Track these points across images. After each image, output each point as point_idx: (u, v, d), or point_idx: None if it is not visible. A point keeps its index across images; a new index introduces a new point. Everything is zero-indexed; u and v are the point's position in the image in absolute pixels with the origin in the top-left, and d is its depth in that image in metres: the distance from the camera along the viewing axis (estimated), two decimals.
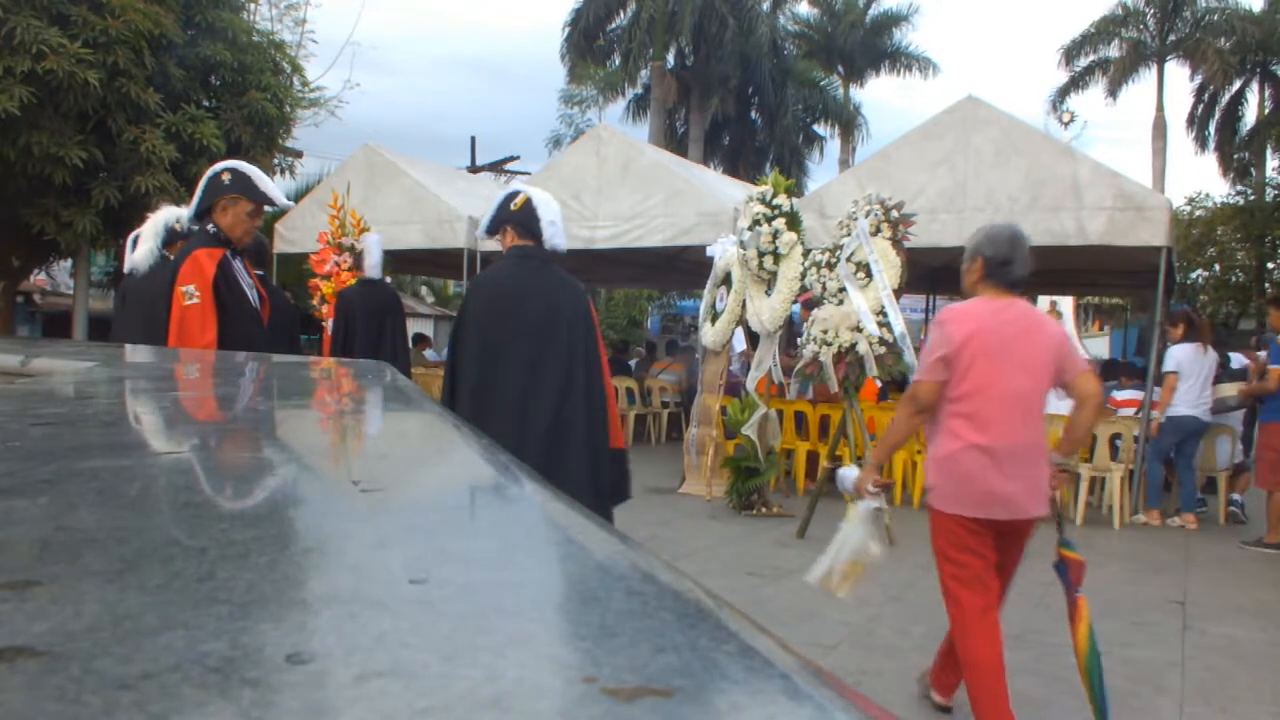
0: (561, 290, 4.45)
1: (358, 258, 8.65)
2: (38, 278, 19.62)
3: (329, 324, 8.48)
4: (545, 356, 4.29)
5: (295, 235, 12.86)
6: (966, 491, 3.96)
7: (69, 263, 15.83)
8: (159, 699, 0.38)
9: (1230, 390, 9.24)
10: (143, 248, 6.83)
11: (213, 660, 0.42)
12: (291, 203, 6.18)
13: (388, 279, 8.97)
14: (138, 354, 3.52)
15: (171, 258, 6.36)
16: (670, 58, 30.35)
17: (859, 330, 7.48)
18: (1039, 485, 3.92)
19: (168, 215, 7.65)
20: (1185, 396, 8.85)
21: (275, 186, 4.78)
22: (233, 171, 4.59)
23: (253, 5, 14.19)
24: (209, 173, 4.63)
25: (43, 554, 0.61)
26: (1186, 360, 8.86)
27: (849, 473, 5.06)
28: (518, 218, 4.47)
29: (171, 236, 7.56)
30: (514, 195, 4.59)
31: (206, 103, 12.76)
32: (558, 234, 4.52)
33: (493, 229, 4.58)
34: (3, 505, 0.74)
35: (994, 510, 3.92)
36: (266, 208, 4.84)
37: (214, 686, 0.39)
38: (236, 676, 0.40)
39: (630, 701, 0.39)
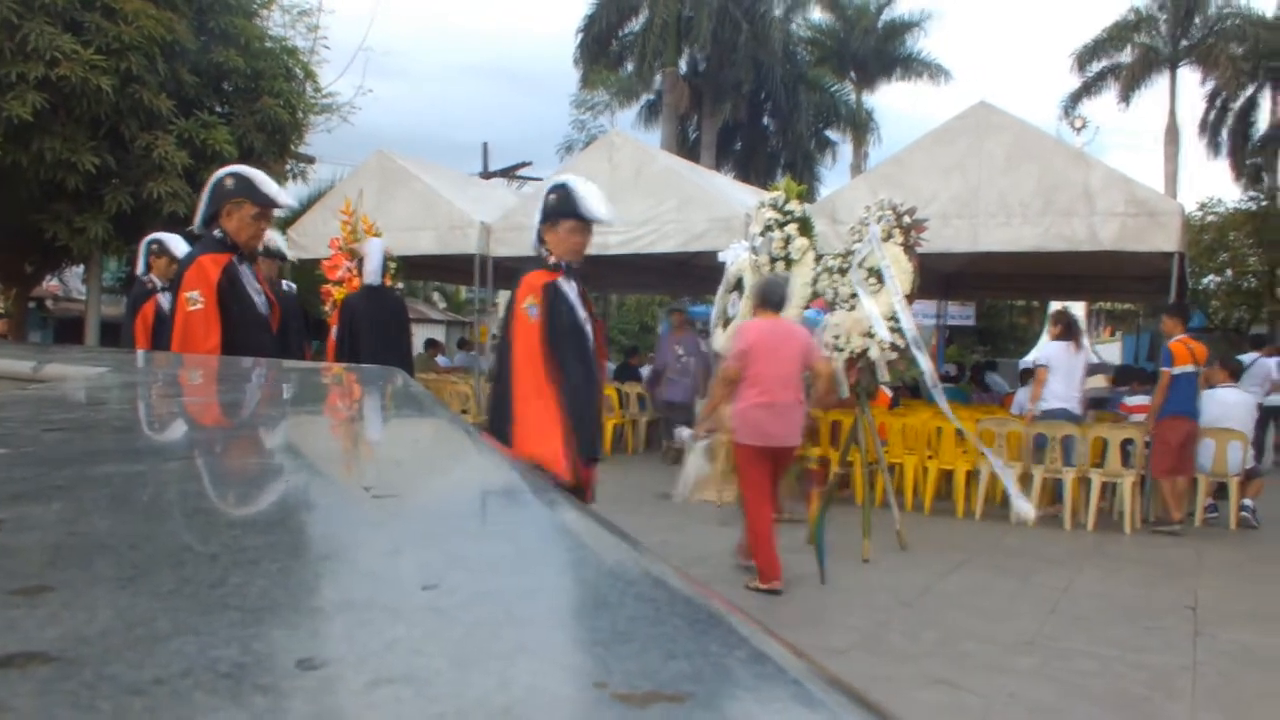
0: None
1: (360, 264, 8.65)
2: (50, 284, 19.70)
3: (334, 330, 8.47)
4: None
5: (307, 241, 12.88)
6: (754, 431, 6.12)
7: (81, 268, 15.88)
8: (171, 705, 0.38)
9: (1100, 383, 9.58)
10: None
11: (224, 666, 0.42)
12: (295, 204, 6.20)
13: (398, 285, 8.94)
14: (147, 360, 3.53)
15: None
16: (683, 63, 30.36)
17: (871, 336, 7.47)
18: (796, 427, 6.24)
19: (267, 237, 7.78)
20: (1056, 391, 9.27)
21: (280, 189, 4.78)
22: (235, 176, 4.59)
23: (265, 11, 14.22)
24: (213, 179, 4.63)
25: (55, 559, 0.61)
26: (1057, 357, 9.36)
27: (685, 431, 7.26)
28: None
29: (267, 254, 7.68)
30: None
31: (219, 108, 12.79)
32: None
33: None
34: (16, 511, 0.75)
35: (770, 441, 6.14)
36: (278, 211, 4.85)
37: (226, 692, 0.39)
38: (248, 682, 0.40)
39: (642, 707, 0.39)
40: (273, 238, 7.96)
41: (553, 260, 4.76)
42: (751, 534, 6.32)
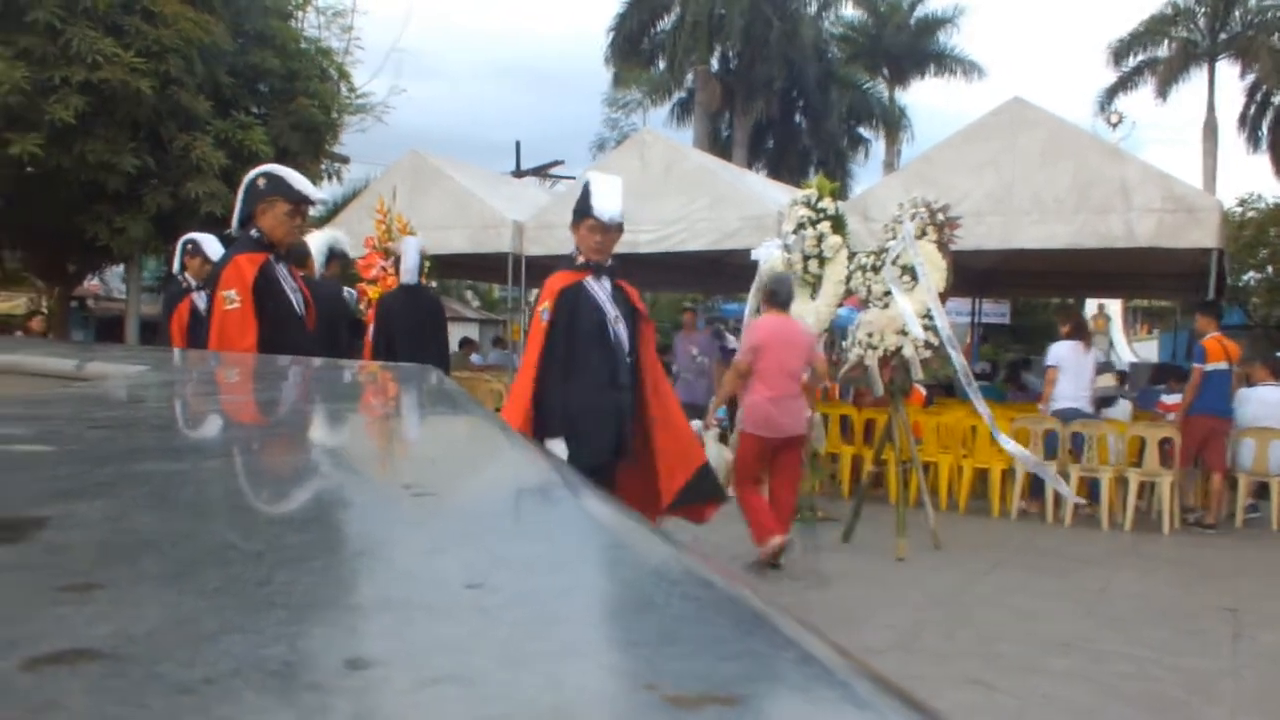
0: None
1: (397, 262, 8.69)
2: (91, 283, 19.92)
3: (370, 329, 8.52)
4: None
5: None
6: (764, 423, 6.54)
7: (121, 268, 16.05)
8: (221, 703, 0.38)
9: (1108, 382, 10.11)
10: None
11: (273, 665, 0.42)
12: (328, 199, 6.27)
13: (432, 283, 8.98)
14: (186, 359, 3.56)
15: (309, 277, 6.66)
16: (714, 61, 30.32)
17: (904, 334, 7.43)
18: (801, 418, 6.67)
19: (331, 238, 7.88)
20: (1066, 390, 9.32)
21: (310, 184, 4.81)
22: (267, 175, 4.64)
23: (301, 14, 14.31)
24: (245, 180, 4.68)
25: (102, 556, 0.62)
26: (1067, 357, 9.40)
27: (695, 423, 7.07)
28: None
29: (331, 256, 7.79)
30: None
31: (255, 109, 12.89)
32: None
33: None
34: (63, 508, 0.75)
35: (778, 433, 6.54)
36: (311, 210, 4.89)
37: (275, 691, 0.39)
38: (297, 681, 0.40)
39: (695, 710, 0.38)
40: (338, 239, 8.06)
41: (580, 260, 4.77)
42: (746, 509, 6.62)
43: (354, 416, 1.88)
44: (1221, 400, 9.13)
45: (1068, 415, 9.23)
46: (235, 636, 0.45)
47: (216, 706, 0.38)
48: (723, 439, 8.25)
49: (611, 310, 4.76)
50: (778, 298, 6.78)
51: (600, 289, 4.77)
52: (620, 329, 4.76)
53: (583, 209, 4.70)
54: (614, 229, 4.71)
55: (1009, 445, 7.91)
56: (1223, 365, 9.10)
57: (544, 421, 4.60)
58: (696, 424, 7.13)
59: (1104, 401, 9.88)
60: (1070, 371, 9.34)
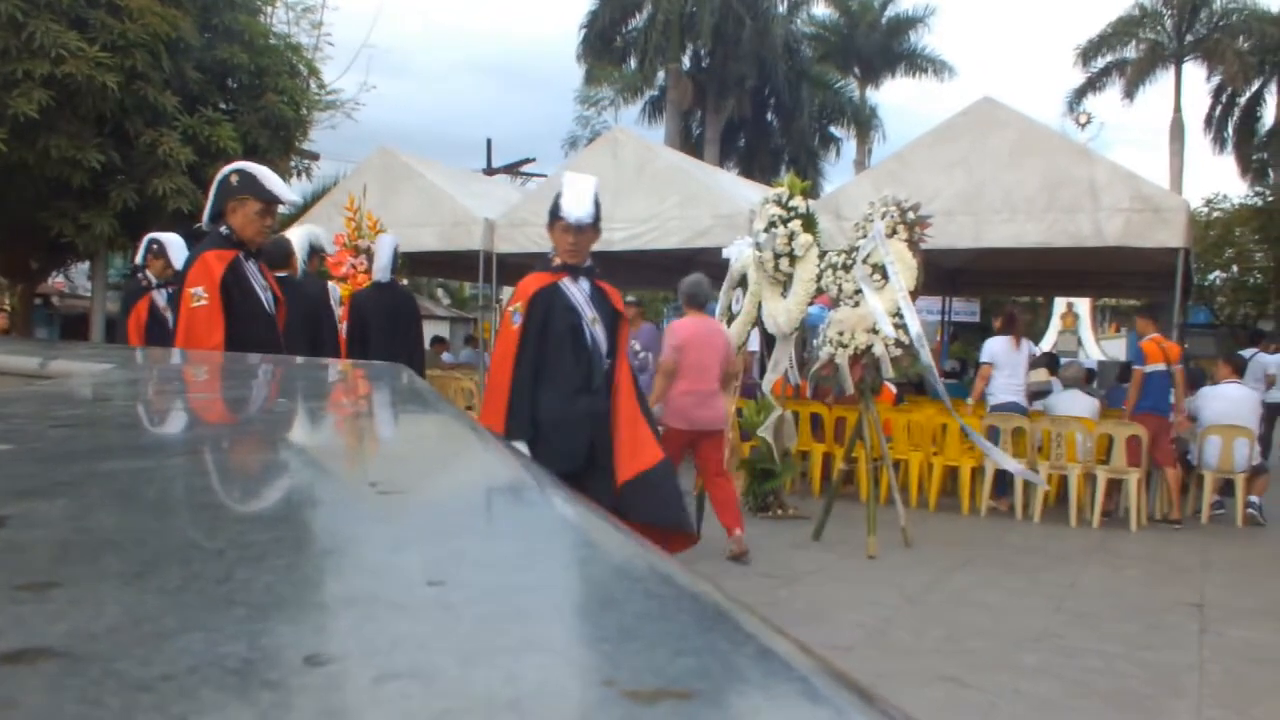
0: None
1: (372, 260, 8.66)
2: (55, 280, 19.72)
3: (344, 327, 8.49)
4: None
5: None
6: (682, 416, 6.82)
7: (86, 265, 15.90)
8: (178, 700, 0.38)
9: (1041, 377, 10.27)
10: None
11: (232, 662, 0.42)
12: (300, 199, 6.23)
13: (403, 281, 8.95)
14: (152, 357, 3.54)
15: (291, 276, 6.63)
16: (686, 60, 30.32)
17: (875, 332, 7.46)
18: (720, 412, 6.98)
19: (309, 234, 7.83)
20: (1001, 385, 9.53)
21: (284, 185, 4.79)
22: (240, 173, 4.61)
23: (269, 8, 14.22)
24: (218, 176, 4.66)
25: (62, 555, 0.61)
26: (1000, 353, 9.61)
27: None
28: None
29: (312, 252, 7.74)
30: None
31: (223, 105, 12.80)
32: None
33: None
34: (22, 507, 0.75)
35: (696, 425, 6.83)
36: (280, 208, 4.86)
37: (233, 688, 0.39)
38: (256, 678, 0.40)
39: (650, 704, 0.39)
40: (317, 235, 8.03)
41: (556, 261, 4.76)
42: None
43: (321, 414, 1.87)
44: (1162, 400, 9.36)
45: (1007, 409, 9.40)
46: (195, 634, 0.45)
47: (174, 704, 0.38)
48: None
49: (589, 312, 4.71)
50: (695, 300, 7.13)
51: (577, 290, 4.73)
52: (598, 331, 4.72)
53: (554, 210, 4.68)
54: (585, 230, 4.68)
55: (980, 441, 7.97)
56: (1161, 366, 9.34)
57: (510, 424, 4.58)
58: None
59: (1037, 395, 10.14)
60: (1004, 367, 9.51)
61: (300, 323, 5.87)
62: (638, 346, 11.43)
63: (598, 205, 4.74)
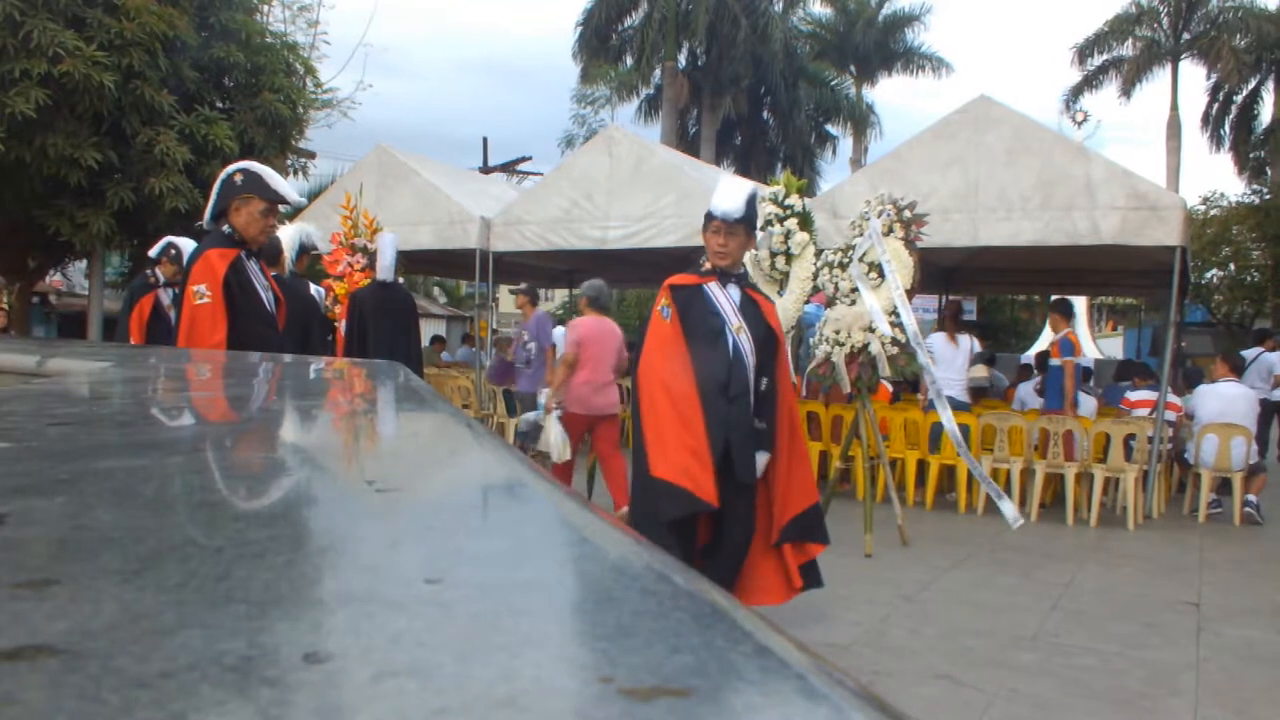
0: None
1: (372, 258, 8.65)
2: (53, 279, 19.70)
3: (342, 325, 8.48)
4: None
5: None
6: (582, 404, 7.64)
7: (84, 264, 15.88)
8: (177, 697, 0.38)
9: (980, 373, 10.56)
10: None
11: (230, 659, 0.42)
12: (305, 200, 6.23)
13: (400, 280, 8.95)
14: (150, 355, 3.53)
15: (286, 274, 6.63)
16: (682, 58, 30.32)
17: (871, 330, 7.47)
18: (612, 400, 7.78)
19: (300, 232, 7.82)
20: (941, 380, 9.43)
21: (288, 185, 4.80)
22: (245, 172, 4.62)
23: (266, 7, 14.21)
24: (223, 174, 4.66)
25: (60, 553, 0.62)
26: (938, 349, 9.72)
27: (530, 415, 8.36)
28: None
29: (302, 250, 7.72)
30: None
31: (220, 104, 12.78)
32: None
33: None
34: (21, 505, 0.75)
35: (594, 411, 7.67)
36: (281, 207, 4.87)
37: (232, 685, 0.39)
38: (254, 675, 0.40)
39: (647, 702, 0.39)
40: (308, 233, 8.02)
41: (705, 266, 4.71)
42: (555, 473, 7.39)
43: (319, 413, 1.87)
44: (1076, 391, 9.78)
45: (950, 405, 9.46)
46: (193, 631, 0.45)
47: (173, 701, 0.38)
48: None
49: (734, 319, 4.59)
50: (597, 302, 8.02)
51: (724, 296, 4.63)
52: (743, 340, 4.57)
53: (708, 212, 4.65)
54: (735, 229, 4.59)
55: (965, 455, 7.94)
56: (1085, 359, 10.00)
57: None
58: (531, 415, 8.30)
59: (978, 392, 10.39)
60: (942, 362, 9.57)
61: (289, 321, 5.88)
62: (525, 337, 11.21)
63: (752, 207, 4.65)
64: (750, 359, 4.58)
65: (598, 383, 7.69)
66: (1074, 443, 9.05)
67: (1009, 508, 7.51)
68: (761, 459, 4.65)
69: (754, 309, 4.66)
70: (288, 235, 7.60)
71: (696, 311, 4.58)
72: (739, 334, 4.56)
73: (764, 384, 4.65)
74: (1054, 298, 11.10)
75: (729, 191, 4.62)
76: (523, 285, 11.46)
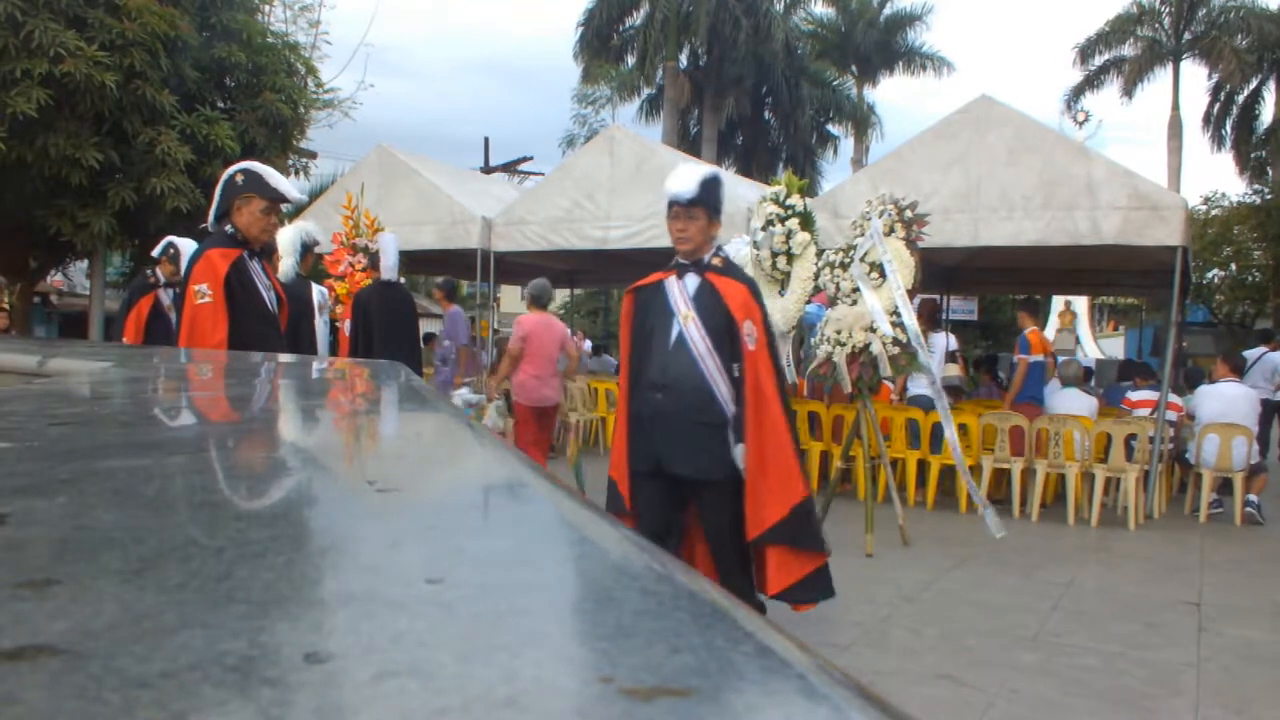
0: None
1: (373, 258, 8.66)
2: (54, 279, 19.71)
3: (345, 324, 8.48)
4: None
5: None
6: (530, 395, 8.07)
7: (85, 264, 15.89)
8: (178, 697, 0.38)
9: (953, 372, 10.74)
10: (281, 264, 7.11)
11: (231, 659, 0.42)
12: (305, 198, 6.24)
13: (401, 279, 8.96)
14: (151, 355, 3.53)
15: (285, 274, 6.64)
16: (683, 58, 30.32)
17: (873, 330, 7.46)
18: (555, 391, 8.24)
19: (300, 230, 7.82)
20: (914, 378, 9.80)
21: (289, 183, 4.80)
22: (245, 172, 4.64)
23: (267, 7, 14.21)
24: (224, 175, 4.68)
25: (62, 553, 0.62)
26: None
27: (464, 394, 9.17)
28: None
29: (305, 250, 7.73)
30: (722, 183, 4.64)
31: (221, 104, 12.79)
32: None
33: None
34: (22, 505, 0.75)
35: (540, 402, 8.10)
36: (284, 206, 4.88)
37: (233, 685, 0.39)
38: (255, 675, 0.40)
39: (648, 701, 0.39)
40: (309, 231, 8.03)
41: (676, 259, 4.72)
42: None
43: (319, 413, 1.87)
44: (1039, 389, 10.06)
45: (920, 403, 9.70)
46: (194, 631, 0.45)
47: (174, 701, 0.38)
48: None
49: (684, 308, 4.47)
50: (539, 300, 8.50)
51: (678, 287, 4.53)
52: (692, 329, 4.43)
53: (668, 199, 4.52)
54: (694, 212, 4.44)
55: (960, 464, 7.92)
56: (1041, 358, 10.07)
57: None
58: (473, 397, 8.96)
59: (954, 390, 10.52)
60: None
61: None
62: (443, 336, 11.08)
63: (709, 190, 4.49)
64: (698, 346, 4.41)
65: (543, 375, 8.17)
66: (1022, 438, 9.19)
67: (992, 518, 7.44)
68: (738, 450, 4.49)
69: (711, 296, 4.46)
70: (287, 237, 7.60)
71: (654, 309, 4.53)
72: (686, 323, 4.43)
73: (735, 370, 4.47)
74: (1021, 297, 11.24)
75: (682, 174, 4.51)
76: (439, 280, 11.41)
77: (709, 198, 4.48)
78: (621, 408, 4.69)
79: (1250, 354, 12.54)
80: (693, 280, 4.51)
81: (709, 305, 4.46)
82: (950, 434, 7.78)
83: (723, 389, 4.44)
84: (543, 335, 8.22)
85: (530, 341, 8.14)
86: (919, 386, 9.63)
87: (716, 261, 4.55)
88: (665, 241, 11.29)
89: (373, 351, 7.41)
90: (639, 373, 4.55)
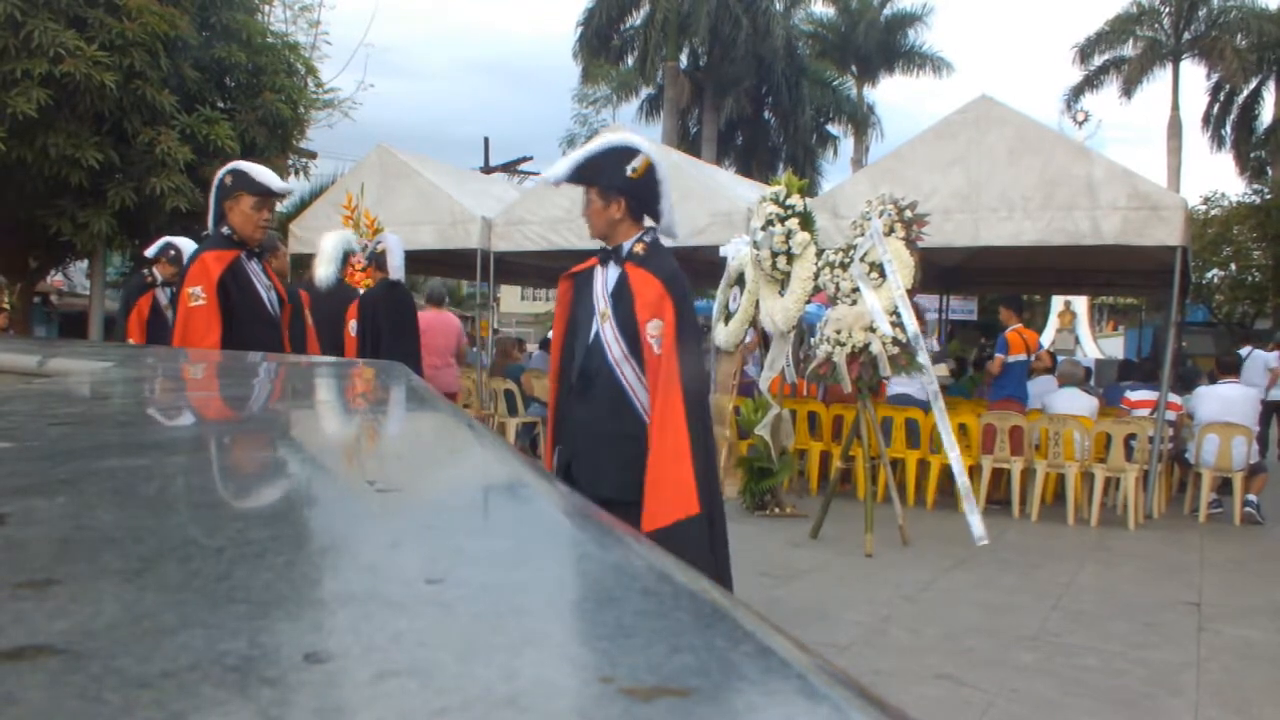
0: None
1: (378, 259, 8.66)
2: (54, 279, 19.70)
3: (350, 325, 8.48)
4: None
5: (309, 235, 12.86)
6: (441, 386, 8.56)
7: (85, 264, 15.89)
8: (178, 697, 0.38)
9: (940, 371, 10.66)
10: (321, 270, 7.21)
11: (231, 659, 0.42)
12: (292, 187, 6.24)
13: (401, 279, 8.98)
14: (150, 355, 3.53)
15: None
16: (683, 58, 30.33)
17: (872, 330, 7.46)
18: (452, 382, 9.48)
19: (343, 239, 7.89)
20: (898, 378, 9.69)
21: (276, 177, 4.80)
22: (232, 172, 4.66)
23: (267, 7, 14.21)
24: (215, 180, 4.70)
25: (62, 553, 0.61)
26: None
27: None
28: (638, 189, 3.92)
29: (347, 259, 7.83)
30: (631, 153, 3.92)
31: (221, 104, 12.78)
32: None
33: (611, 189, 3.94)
34: (22, 505, 0.75)
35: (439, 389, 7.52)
36: (279, 202, 4.89)
37: (233, 685, 0.39)
38: (255, 675, 0.40)
39: (647, 701, 0.39)
40: (352, 241, 8.18)
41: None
42: None
43: (318, 413, 1.87)
44: (1021, 387, 10.01)
45: (901, 401, 9.74)
46: (194, 631, 0.45)
47: (174, 701, 0.38)
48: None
49: (602, 306, 3.94)
50: (434, 299, 9.80)
51: (601, 278, 4.00)
52: (606, 328, 3.90)
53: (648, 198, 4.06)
54: (585, 197, 4.03)
55: (956, 465, 7.91)
56: (1022, 356, 10.00)
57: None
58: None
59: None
60: None
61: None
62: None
63: (591, 165, 3.97)
64: (613, 350, 3.89)
65: (439, 365, 9.19)
66: (994, 435, 9.27)
67: (977, 523, 7.18)
68: None
69: (626, 292, 3.90)
70: (330, 244, 7.71)
71: (583, 301, 4.05)
72: (603, 323, 3.91)
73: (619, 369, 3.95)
74: (1004, 296, 11.36)
75: (567, 157, 4.05)
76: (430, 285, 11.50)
77: (592, 174, 3.95)
78: (551, 406, 4.24)
79: (1241, 352, 12.59)
80: (613, 272, 3.99)
81: (625, 303, 3.91)
82: (947, 437, 7.76)
83: (641, 397, 3.92)
84: (436, 329, 9.15)
85: (425, 335, 8.64)
86: (901, 385, 9.62)
87: (639, 249, 3.95)
88: (664, 241, 11.33)
89: (380, 352, 7.42)
90: (566, 371, 4.08)
